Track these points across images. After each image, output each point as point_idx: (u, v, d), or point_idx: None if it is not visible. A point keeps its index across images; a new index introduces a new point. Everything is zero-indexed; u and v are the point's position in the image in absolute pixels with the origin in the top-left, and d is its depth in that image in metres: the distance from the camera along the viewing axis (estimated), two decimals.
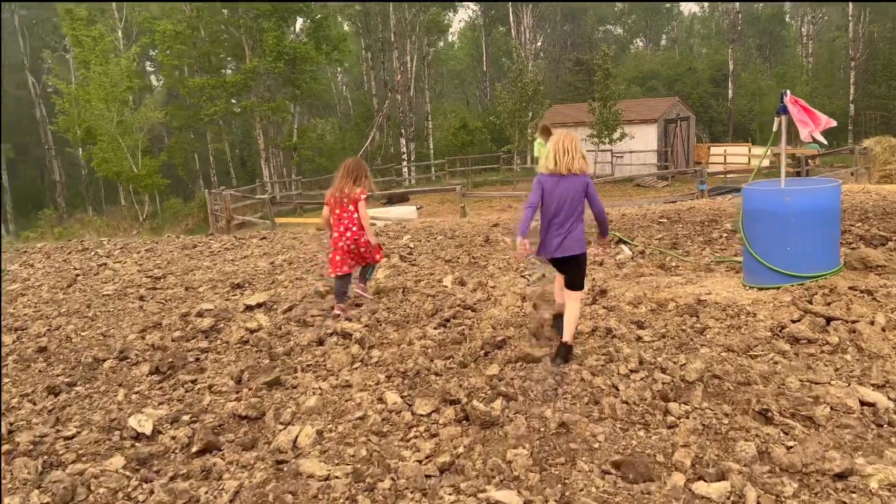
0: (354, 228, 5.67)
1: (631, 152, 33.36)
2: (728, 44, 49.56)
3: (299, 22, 32.41)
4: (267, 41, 28.65)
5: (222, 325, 5.74)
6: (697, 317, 4.91)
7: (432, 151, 42.83)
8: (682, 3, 70.22)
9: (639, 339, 4.58)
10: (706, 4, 64.55)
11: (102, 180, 28.81)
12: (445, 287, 6.53)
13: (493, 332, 4.81)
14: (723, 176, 29.32)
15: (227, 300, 6.75)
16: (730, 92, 47.60)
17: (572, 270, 4.33)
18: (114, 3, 30.47)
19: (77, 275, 9.07)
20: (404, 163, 37.45)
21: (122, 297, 7.39)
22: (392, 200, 31.23)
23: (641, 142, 33.58)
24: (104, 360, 5.10)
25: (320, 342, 5.05)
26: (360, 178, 5.75)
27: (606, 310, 5.30)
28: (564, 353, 4.17)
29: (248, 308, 6.23)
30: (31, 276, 9.33)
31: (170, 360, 4.87)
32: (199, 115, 29.66)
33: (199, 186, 33.85)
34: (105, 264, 9.88)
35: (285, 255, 9.53)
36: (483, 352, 4.51)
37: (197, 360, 4.99)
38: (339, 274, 5.72)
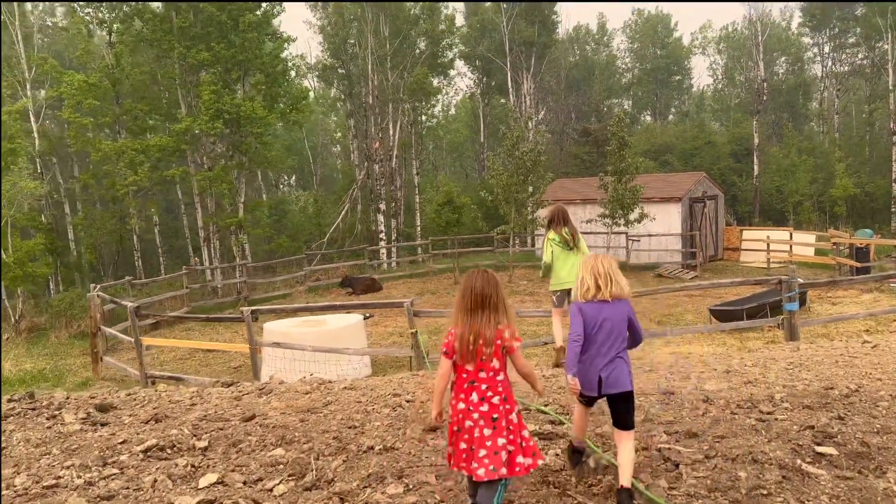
0: (496, 400, 3.50)
1: (650, 235, 27.64)
2: (751, 116, 44.65)
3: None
4: (203, 96, 23.32)
5: None
6: None
7: (419, 230, 37.24)
8: (693, 76, 65.87)
9: None
10: (720, 75, 60.16)
11: None
12: None
13: None
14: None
15: None
16: (755, 168, 42.35)
17: (622, 406, 4.04)
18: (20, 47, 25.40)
19: None
20: (381, 242, 31.73)
21: None
22: (348, 282, 25.35)
23: (663, 223, 27.91)
24: None
25: None
26: (500, 305, 3.57)
27: None
28: (627, 499, 3.80)
29: None
30: None
31: None
32: (115, 186, 24.22)
33: (109, 275, 28.17)
34: None
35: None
36: None
37: None
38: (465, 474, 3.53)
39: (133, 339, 13.00)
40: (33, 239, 19.47)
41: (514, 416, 3.58)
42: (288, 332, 13.12)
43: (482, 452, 3.46)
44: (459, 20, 46.25)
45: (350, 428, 5.61)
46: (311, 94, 42.55)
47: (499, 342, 3.55)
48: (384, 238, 32.02)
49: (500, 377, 3.59)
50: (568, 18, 77.82)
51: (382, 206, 32.62)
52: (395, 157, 36.41)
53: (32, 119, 26.09)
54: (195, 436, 5.65)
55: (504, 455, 3.47)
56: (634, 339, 4.17)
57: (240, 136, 25.02)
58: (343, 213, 32.26)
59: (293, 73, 29.20)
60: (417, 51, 36.56)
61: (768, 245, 26.91)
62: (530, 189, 25.99)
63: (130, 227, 26.36)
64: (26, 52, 25.81)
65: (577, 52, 58.36)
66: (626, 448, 3.98)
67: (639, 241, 27.78)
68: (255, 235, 28.75)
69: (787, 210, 39.36)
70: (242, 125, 24.30)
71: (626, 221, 25.60)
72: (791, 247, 27.66)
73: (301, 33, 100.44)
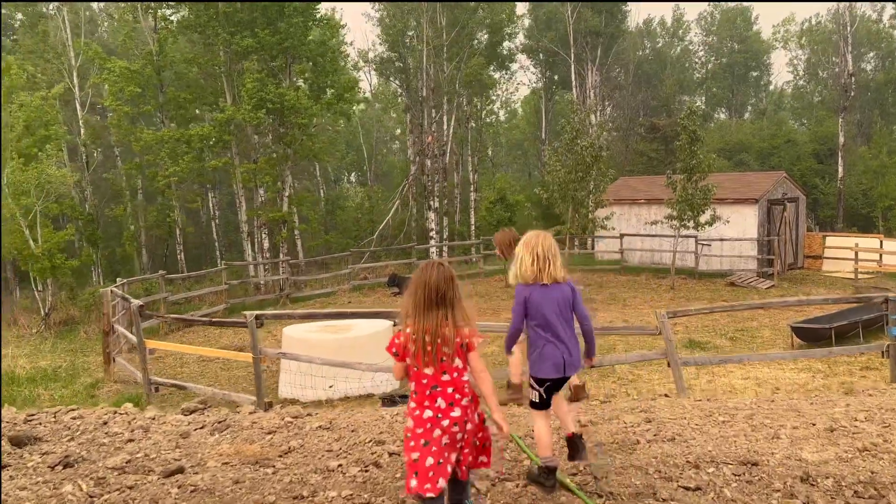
0: (465, 402, 3.29)
1: (722, 240, 25.25)
2: (836, 113, 41.31)
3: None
4: (245, 85, 22.19)
5: None
6: None
7: (473, 229, 35.60)
8: (772, 72, 62.09)
9: None
10: (802, 71, 56.37)
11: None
12: None
13: None
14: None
15: None
16: (839, 169, 39.07)
17: (563, 384, 4.02)
18: (68, 34, 24.84)
19: None
20: (431, 241, 30.21)
21: None
22: (395, 281, 23.87)
23: (737, 227, 25.48)
24: None
25: None
26: (454, 301, 3.31)
27: None
28: (580, 443, 4.08)
29: None
30: None
31: None
32: (156, 177, 23.37)
33: (156, 268, 27.30)
34: None
35: None
36: None
37: None
38: (429, 496, 3.15)
39: (137, 341, 11.83)
40: (64, 230, 18.70)
41: (476, 417, 3.39)
42: (306, 339, 11.72)
43: (453, 456, 3.25)
44: (521, 9, 44.38)
45: (294, 499, 4.05)
46: (368, 87, 41.52)
47: (458, 340, 3.29)
48: (435, 236, 30.50)
49: (466, 377, 3.35)
50: (638, 12, 74.38)
51: (434, 203, 31.08)
52: (450, 152, 34.87)
53: (78, 108, 25.66)
54: (91, 497, 4.21)
55: (479, 457, 3.42)
56: (582, 323, 4.04)
57: (284, 127, 23.81)
58: (394, 209, 30.85)
59: (342, 63, 27.83)
60: (476, 42, 34.90)
61: (856, 254, 24.17)
62: (590, 186, 24.00)
63: (172, 219, 25.54)
64: (73, 41, 25.32)
65: (647, 46, 55.55)
66: (559, 402, 4.08)
67: (709, 245, 25.45)
68: (299, 231, 27.60)
69: (875, 215, 36.13)
70: (286, 115, 23.09)
71: (696, 224, 23.30)
72: (881, 256, 24.85)
73: (360, 26, 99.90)
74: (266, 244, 26.44)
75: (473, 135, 39.95)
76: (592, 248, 30.51)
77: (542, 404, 3.96)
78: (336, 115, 28.74)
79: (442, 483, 3.18)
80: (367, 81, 48.39)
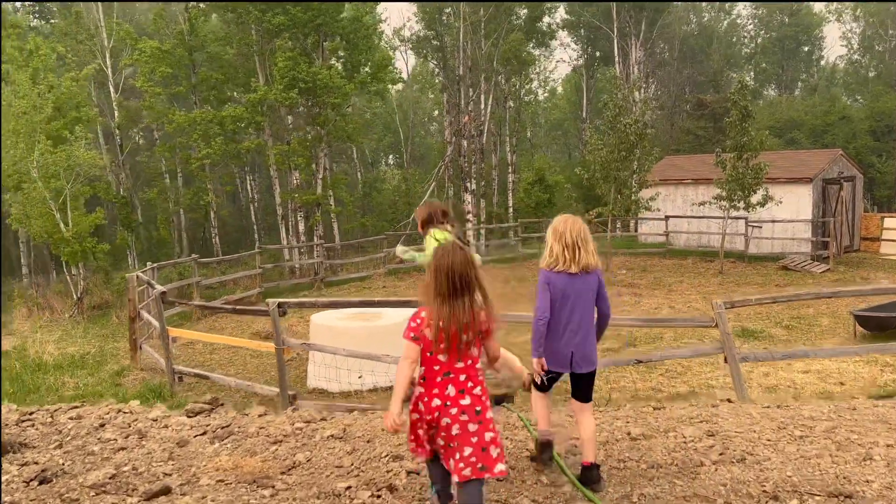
0: (478, 391, 3.14)
1: (774, 221, 24.01)
2: (894, 89, 39.25)
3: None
4: (277, 64, 21.57)
5: None
6: None
7: (511, 212, 34.73)
8: (824, 46, 59.45)
9: None
10: (857, 44, 53.84)
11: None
12: None
13: None
14: None
15: None
16: None
17: (587, 382, 3.91)
18: (100, 15, 24.51)
19: None
20: (469, 224, 29.43)
21: None
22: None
23: (790, 207, 24.15)
24: None
25: None
26: (476, 285, 3.15)
27: None
28: (597, 477, 3.80)
29: None
30: None
31: None
32: (189, 159, 22.98)
33: (182, 251, 27.08)
34: None
35: None
36: None
37: None
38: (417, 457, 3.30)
39: (159, 329, 11.40)
40: (94, 213, 18.42)
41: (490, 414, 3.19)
42: (334, 326, 11.13)
43: (468, 451, 3.05)
44: None
45: None
46: (405, 67, 40.63)
47: (478, 327, 3.13)
48: (472, 219, 29.70)
49: (479, 365, 3.22)
50: None
51: (471, 185, 30.26)
52: (487, 133, 33.93)
53: (112, 90, 25.43)
54: None
55: (494, 452, 3.07)
56: (601, 316, 3.93)
57: (317, 107, 23.16)
58: (429, 192, 30.11)
59: (377, 40, 27.03)
60: (514, 17, 33.76)
61: None
62: (634, 166, 22.90)
63: (207, 202, 25.19)
64: (106, 21, 25.03)
65: (692, 20, 53.56)
66: (587, 422, 3.91)
67: (760, 227, 24.24)
68: (335, 214, 27.04)
69: None
70: (319, 95, 22.44)
71: (747, 205, 22.05)
72: None
73: (394, 3, 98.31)
74: (301, 227, 25.99)
75: (512, 115, 38.90)
76: (635, 230, 29.39)
77: (542, 388, 3.98)
78: (371, 95, 27.97)
79: (462, 466, 3.03)
80: (404, 61, 47.52)
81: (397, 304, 8.76)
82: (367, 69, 24.81)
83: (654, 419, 5.08)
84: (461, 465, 3.04)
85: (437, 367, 3.12)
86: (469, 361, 3.15)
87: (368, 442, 4.75)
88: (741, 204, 22.14)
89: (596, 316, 3.93)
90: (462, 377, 3.12)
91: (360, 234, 30.96)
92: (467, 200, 29.48)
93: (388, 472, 4.14)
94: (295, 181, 24.98)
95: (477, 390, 3.13)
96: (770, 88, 59.85)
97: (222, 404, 6.31)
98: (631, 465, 4.13)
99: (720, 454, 4.24)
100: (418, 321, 3.15)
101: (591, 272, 3.79)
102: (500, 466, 3.08)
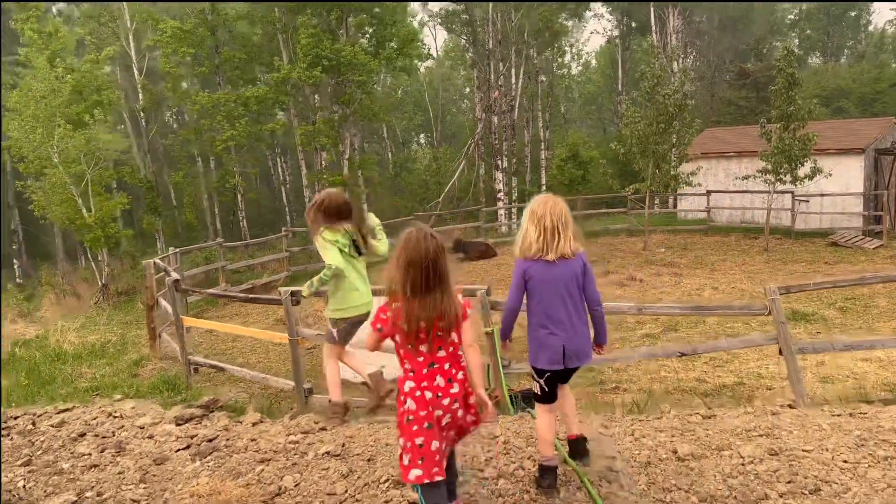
0: (461, 375, 3.06)
1: (822, 195, 22.73)
2: None
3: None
4: (300, 41, 20.87)
5: None
6: None
7: (544, 189, 33.77)
8: (871, 11, 56.82)
9: None
10: None
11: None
12: None
13: None
14: None
15: None
16: None
17: (573, 372, 3.60)
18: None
19: None
20: (499, 202, 28.60)
21: None
22: (461, 247, 22.46)
23: (840, 180, 22.84)
24: None
25: None
26: (449, 272, 3.00)
27: None
28: (584, 449, 3.79)
29: None
30: None
31: None
32: (213, 142, 22.48)
33: (212, 235, 26.57)
34: None
35: None
36: None
37: None
38: (437, 479, 2.91)
39: (174, 318, 10.93)
40: (116, 198, 18.07)
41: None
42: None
43: (453, 435, 3.06)
44: None
45: None
46: (434, 43, 39.68)
47: (454, 313, 2.99)
48: (503, 198, 28.85)
49: (460, 350, 3.09)
50: None
51: (502, 163, 29.36)
52: (519, 108, 32.91)
53: (136, 72, 25.06)
54: None
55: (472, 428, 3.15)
56: (591, 303, 3.50)
57: (342, 85, 22.45)
58: (459, 170, 29.30)
59: (403, 15, 26.15)
60: None
61: None
62: (673, 139, 21.83)
63: (233, 185, 24.75)
64: (128, 3, 24.57)
65: None
66: (565, 397, 3.74)
67: (808, 201, 23.00)
68: (364, 195, 26.45)
69: None
70: (343, 73, 21.73)
71: (794, 178, 20.85)
72: None
73: None
74: None
75: (544, 89, 37.77)
76: (674, 206, 28.27)
77: (545, 397, 3.59)
78: (397, 71, 27.18)
79: (441, 470, 2.96)
80: (433, 37, 46.62)
81: None
82: (392, 45, 23.99)
83: (704, 431, 4.32)
84: (446, 448, 3.04)
85: (420, 359, 2.99)
86: (451, 348, 3.04)
87: (368, 461, 4.10)
88: (787, 177, 20.96)
89: (586, 306, 3.56)
90: (446, 365, 3.02)
91: (391, 215, 30.39)
92: (498, 178, 28.60)
93: (386, 502, 3.49)
94: (322, 162, 24.40)
95: (460, 374, 3.05)
96: (815, 56, 57.50)
97: (221, 407, 5.72)
98: (679, 498, 3.40)
99: (788, 482, 3.49)
100: (385, 314, 2.99)
101: (572, 258, 3.45)
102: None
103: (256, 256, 22.51)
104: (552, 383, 3.55)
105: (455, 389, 3.01)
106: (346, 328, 4.85)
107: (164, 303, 13.52)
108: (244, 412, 5.71)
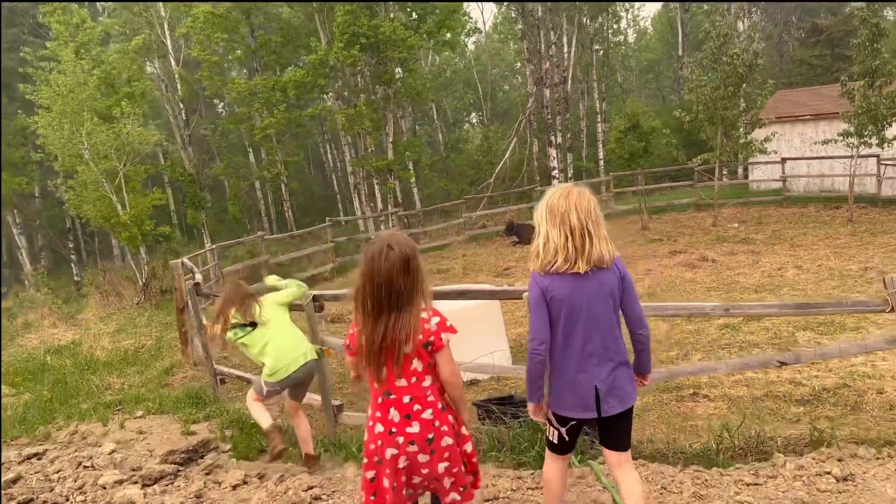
0: (428, 415, 2.69)
1: None
2: None
3: None
4: (336, 20, 19.81)
5: None
6: None
7: (602, 165, 32.10)
8: None
9: None
10: None
11: None
12: None
13: None
14: None
15: None
16: None
17: (621, 425, 2.84)
18: None
19: None
20: (554, 181, 27.10)
21: None
22: (514, 230, 21.17)
23: None
24: None
25: None
26: (414, 292, 2.65)
27: None
28: None
29: None
30: None
31: None
32: (252, 130, 21.70)
33: (265, 227, 25.83)
34: None
35: None
36: None
37: None
38: None
39: (197, 325, 10.06)
40: (151, 194, 17.47)
41: (450, 439, 2.69)
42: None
43: (423, 484, 2.72)
44: None
45: None
46: (481, 18, 38.14)
47: (421, 338, 2.62)
48: (558, 175, 27.32)
49: (427, 382, 2.69)
50: None
51: (556, 139, 27.81)
52: (572, 80, 31.19)
53: (172, 62, 24.48)
54: None
55: (447, 482, 2.69)
56: (633, 325, 2.82)
57: (382, 63, 21.34)
58: (510, 148, 27.86)
59: None
60: None
61: None
62: (742, 104, 20.01)
63: (274, 174, 24.03)
64: None
65: None
66: (630, 481, 2.85)
67: (894, 165, 20.88)
68: (413, 179, 25.37)
69: None
70: (383, 50, 20.59)
71: (881, 140, 18.84)
72: None
73: None
74: (378, 195, 24.50)
75: (599, 59, 35.89)
76: (745, 177, 26.28)
77: (561, 447, 2.95)
78: (440, 45, 25.95)
79: None
80: (480, 11, 45.16)
81: (456, 295, 6.92)
82: (433, 18, 22.77)
83: None
84: (409, 499, 2.73)
85: (376, 386, 2.73)
86: (414, 379, 2.69)
87: None
88: (874, 139, 18.98)
89: (627, 328, 2.85)
90: (406, 398, 2.68)
91: (442, 199, 29.30)
92: (552, 155, 27.06)
93: None
94: (365, 147, 23.41)
95: (426, 414, 2.67)
96: (891, 10, 53.56)
97: (202, 456, 4.67)
98: None
99: None
100: (351, 330, 2.78)
101: (606, 268, 2.75)
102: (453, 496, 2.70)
103: (303, 248, 21.79)
104: (574, 433, 2.88)
105: (413, 429, 2.65)
106: (277, 389, 4.95)
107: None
108: (220, 472, 4.62)
